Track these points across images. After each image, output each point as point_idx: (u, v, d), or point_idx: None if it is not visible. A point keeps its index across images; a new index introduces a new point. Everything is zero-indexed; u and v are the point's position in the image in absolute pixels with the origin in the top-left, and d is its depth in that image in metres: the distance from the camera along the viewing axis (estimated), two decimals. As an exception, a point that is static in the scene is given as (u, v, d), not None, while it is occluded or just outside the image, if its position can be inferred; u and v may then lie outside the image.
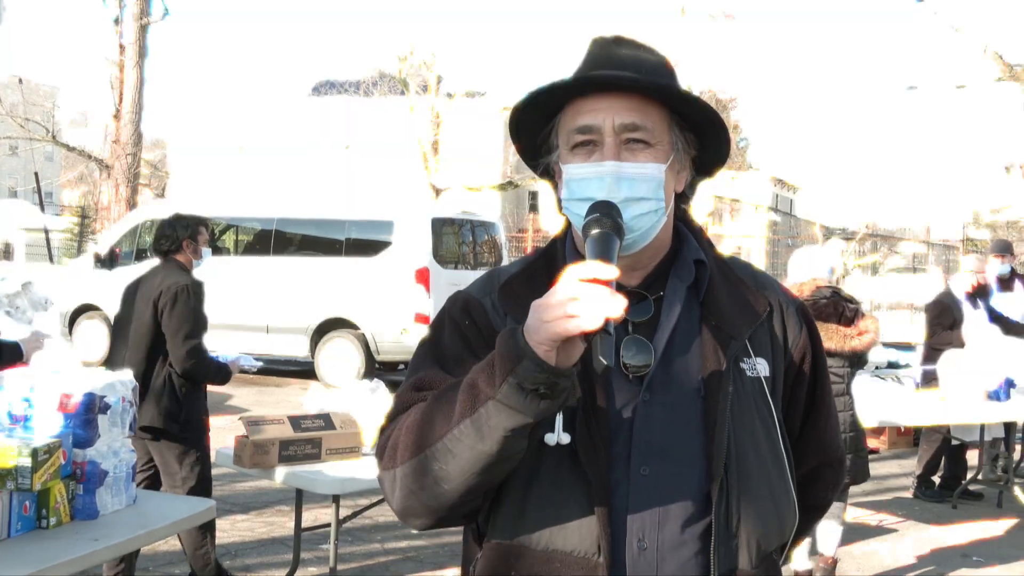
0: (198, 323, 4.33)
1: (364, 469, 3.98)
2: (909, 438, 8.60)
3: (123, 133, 16.51)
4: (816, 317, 3.46)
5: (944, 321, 6.82)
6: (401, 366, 11.69)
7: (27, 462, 2.62)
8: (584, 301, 1.19)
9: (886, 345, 9.43)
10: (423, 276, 11.27)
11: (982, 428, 6.62)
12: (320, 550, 5.02)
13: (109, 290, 9.91)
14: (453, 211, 12.68)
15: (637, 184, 1.40)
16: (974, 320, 6.73)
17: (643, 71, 1.42)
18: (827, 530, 4.78)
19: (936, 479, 7.04)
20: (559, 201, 1.47)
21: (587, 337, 1.21)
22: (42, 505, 2.73)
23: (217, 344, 4.43)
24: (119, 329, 4.52)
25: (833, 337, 4.56)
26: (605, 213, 1.35)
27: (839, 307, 4.68)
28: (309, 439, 4.12)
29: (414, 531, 3.85)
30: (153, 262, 4.68)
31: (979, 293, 6.87)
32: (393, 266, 11.41)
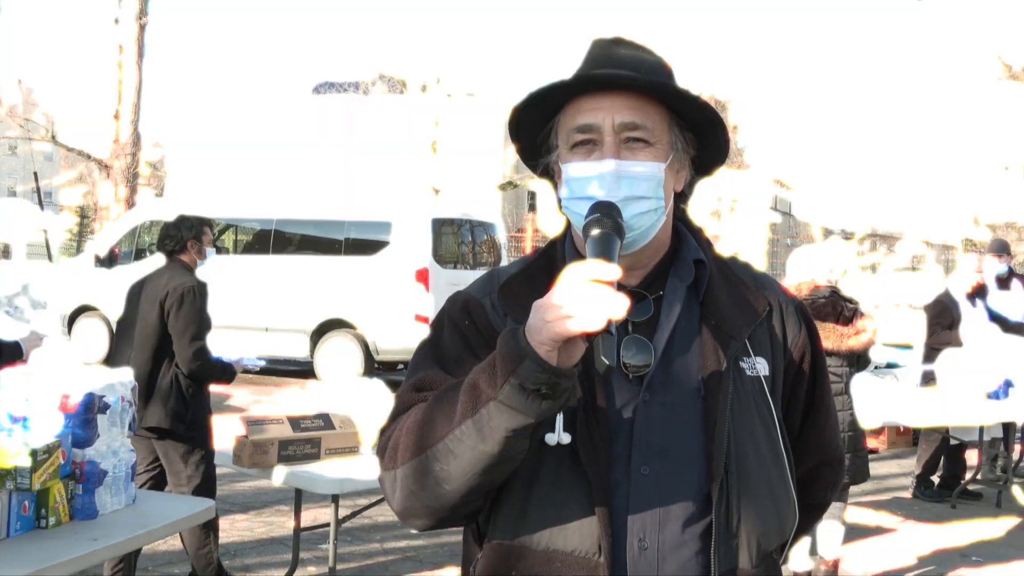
0: (203, 324, 4.37)
1: (363, 469, 3.98)
2: (908, 438, 8.60)
3: (122, 133, 16.51)
4: (814, 316, 3.46)
5: (943, 321, 6.82)
6: (400, 366, 11.70)
7: (26, 462, 2.62)
8: (587, 301, 1.19)
9: (886, 345, 9.43)
10: (423, 276, 11.28)
11: (981, 428, 6.62)
12: (319, 550, 5.02)
13: (108, 290, 9.92)
14: (453, 211, 12.69)
15: (637, 183, 1.40)
16: (973, 319, 6.74)
17: (642, 71, 1.43)
18: (828, 531, 4.77)
19: (935, 479, 7.05)
20: (559, 201, 1.48)
21: (588, 337, 1.21)
22: (41, 505, 2.73)
23: (218, 345, 4.46)
24: (123, 329, 4.53)
25: (830, 336, 4.56)
26: (605, 213, 1.35)
27: (837, 306, 4.69)
28: (308, 439, 4.13)
29: (413, 531, 3.84)
30: (151, 261, 4.70)
31: (977, 293, 6.88)
32: (393, 266, 11.42)
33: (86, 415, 2.88)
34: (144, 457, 4.41)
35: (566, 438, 1.35)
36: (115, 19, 16.50)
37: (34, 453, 2.63)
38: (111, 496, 2.95)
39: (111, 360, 4.51)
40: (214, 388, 4.75)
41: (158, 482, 4.45)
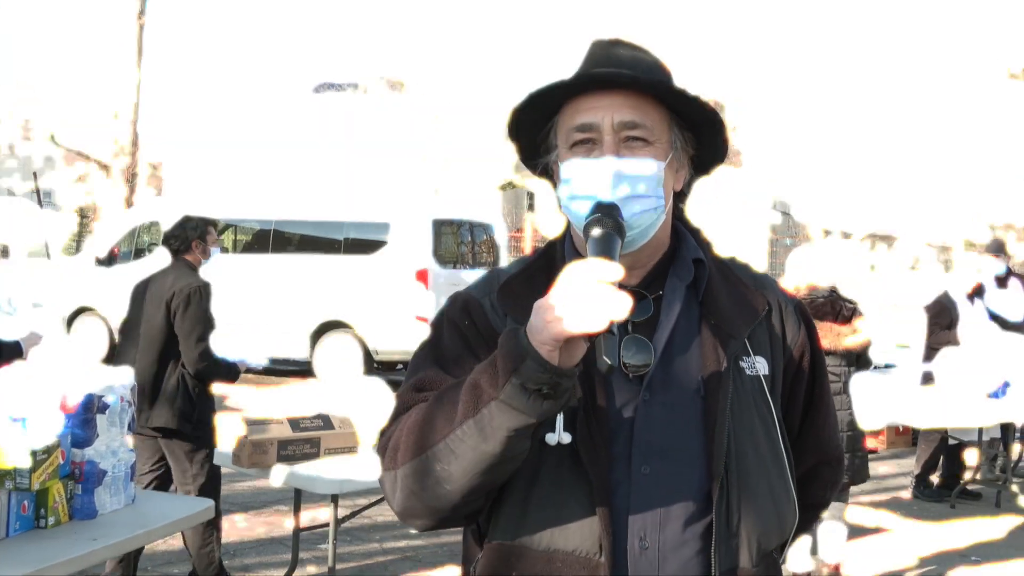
0: (209, 324, 4.40)
1: (362, 469, 3.99)
2: (907, 437, 8.60)
3: (122, 133, 16.51)
4: (813, 316, 3.46)
5: (942, 321, 6.83)
6: (400, 366, 11.70)
7: (26, 462, 2.62)
8: (589, 302, 1.19)
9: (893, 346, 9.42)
10: (423, 277, 11.28)
11: (980, 428, 6.63)
12: (319, 550, 5.02)
13: (108, 290, 9.92)
14: (452, 211, 12.70)
15: (636, 181, 1.40)
16: (973, 319, 6.74)
17: (641, 70, 1.43)
18: (830, 532, 4.76)
19: (935, 479, 7.05)
20: (558, 200, 1.48)
21: (590, 337, 1.21)
22: (40, 505, 2.73)
23: (220, 345, 4.48)
24: (128, 330, 4.55)
25: (827, 335, 4.56)
26: (606, 213, 1.35)
27: (836, 306, 4.70)
28: (307, 439, 4.13)
29: (413, 531, 3.84)
30: (150, 261, 4.71)
31: (976, 293, 6.88)
32: (392, 266, 11.42)
33: (85, 415, 2.88)
34: (149, 456, 4.43)
35: (567, 438, 1.35)
36: (115, 19, 16.50)
37: (33, 453, 2.63)
38: (110, 496, 2.95)
39: (116, 360, 4.53)
40: (214, 388, 4.76)
41: (163, 482, 4.48)
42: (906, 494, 7.05)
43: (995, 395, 6.14)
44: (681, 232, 1.53)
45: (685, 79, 1.48)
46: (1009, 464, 6.92)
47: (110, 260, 12.89)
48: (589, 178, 1.40)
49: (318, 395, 4.85)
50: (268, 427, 4.12)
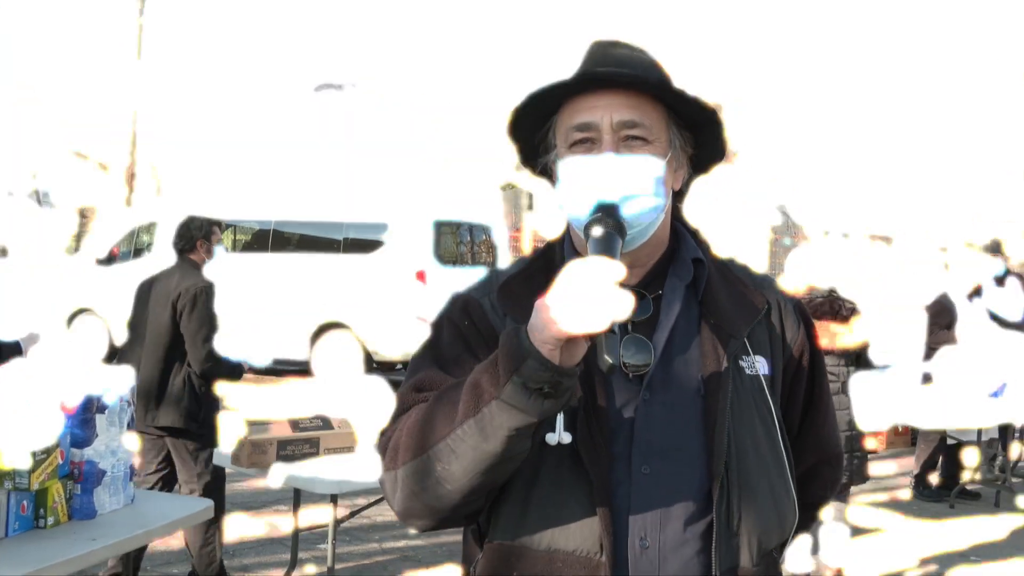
0: (214, 324, 4.42)
1: (362, 469, 3.99)
2: (907, 437, 8.61)
3: (121, 133, 16.51)
4: (811, 315, 3.46)
5: (941, 321, 6.83)
6: (399, 366, 11.71)
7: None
8: (590, 301, 1.19)
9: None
10: (422, 277, 11.29)
11: (979, 428, 6.63)
12: (318, 550, 5.02)
13: (108, 289, 9.91)
14: (452, 212, 12.70)
15: (637, 179, 1.39)
16: (972, 319, 6.74)
17: (640, 70, 1.43)
18: (832, 534, 4.75)
19: (934, 479, 7.05)
20: (558, 199, 1.47)
21: (590, 336, 1.21)
22: (40, 505, 2.73)
23: (223, 345, 4.51)
24: (133, 329, 4.56)
25: (824, 334, 4.56)
26: (607, 212, 1.35)
27: (835, 305, 4.70)
28: (307, 439, 4.13)
29: (412, 531, 3.83)
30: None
31: (975, 293, 6.89)
32: (392, 267, 11.42)
33: (84, 415, 2.88)
34: (154, 456, 4.45)
35: (567, 438, 1.35)
36: (115, 19, 16.49)
37: (33, 453, 2.63)
38: (110, 496, 2.95)
39: (121, 359, 4.54)
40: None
41: (168, 482, 4.50)
42: (905, 494, 7.05)
43: (994, 395, 6.14)
44: (680, 232, 1.53)
45: (684, 79, 1.48)
46: (1008, 464, 6.92)
47: (110, 260, 12.88)
48: (589, 176, 1.39)
49: (317, 395, 4.85)
50: (267, 427, 4.12)
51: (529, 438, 1.29)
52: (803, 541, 1.55)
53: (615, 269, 1.21)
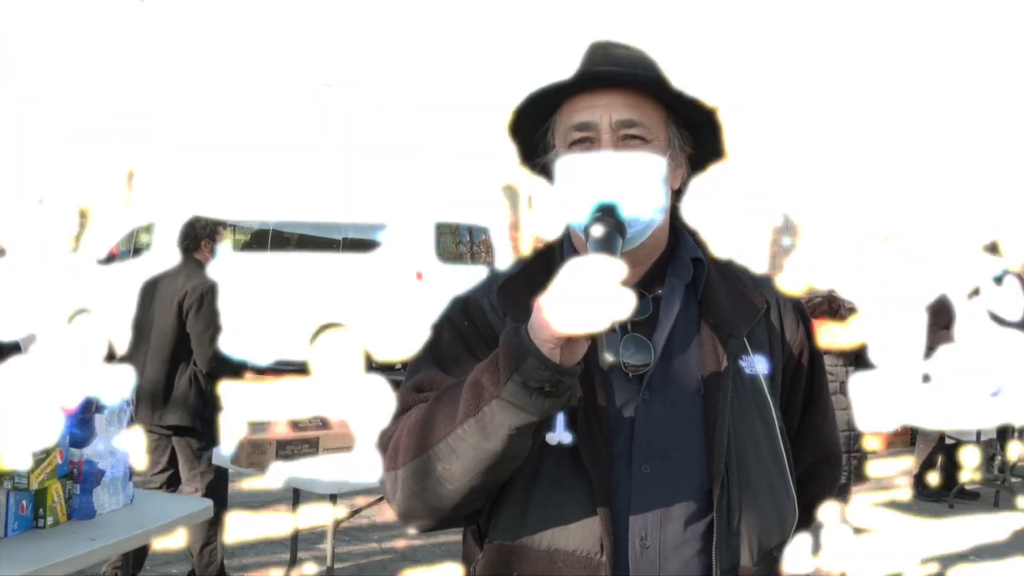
0: (219, 324, 4.45)
1: (361, 469, 3.99)
2: (906, 437, 8.61)
3: (121, 133, 16.51)
4: (810, 314, 3.46)
5: (940, 321, 6.84)
6: (399, 366, 11.71)
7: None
8: (591, 300, 1.18)
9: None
10: (422, 278, 11.29)
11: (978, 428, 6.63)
12: (317, 549, 5.02)
13: (107, 289, 9.90)
14: (452, 212, 12.70)
15: (638, 176, 1.39)
16: (970, 319, 6.75)
17: (638, 69, 1.43)
18: (832, 535, 4.75)
19: (933, 478, 7.06)
20: (556, 199, 1.47)
21: (591, 335, 1.21)
22: (39, 505, 2.73)
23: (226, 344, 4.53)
24: (138, 329, 4.57)
25: (823, 334, 4.57)
26: (607, 212, 1.34)
27: (834, 305, 4.70)
28: (306, 439, 4.13)
29: (411, 531, 3.85)
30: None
31: (974, 293, 6.89)
32: (392, 267, 11.43)
33: (84, 415, 2.88)
34: (159, 457, 4.47)
35: (567, 437, 1.35)
36: (114, 18, 16.49)
37: (32, 453, 2.63)
38: (109, 496, 2.95)
39: (126, 359, 4.56)
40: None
41: (174, 482, 4.53)
42: (905, 494, 7.06)
43: (993, 395, 6.15)
44: (679, 231, 1.53)
45: (684, 79, 1.48)
46: (1007, 464, 6.92)
47: (109, 260, 12.89)
48: (587, 174, 1.39)
49: (317, 395, 4.85)
50: (267, 427, 4.13)
51: (530, 437, 1.29)
52: (803, 541, 1.55)
53: (616, 267, 1.21)
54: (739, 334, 1.46)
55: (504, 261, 12.47)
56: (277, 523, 5.72)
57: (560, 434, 1.35)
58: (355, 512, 4.58)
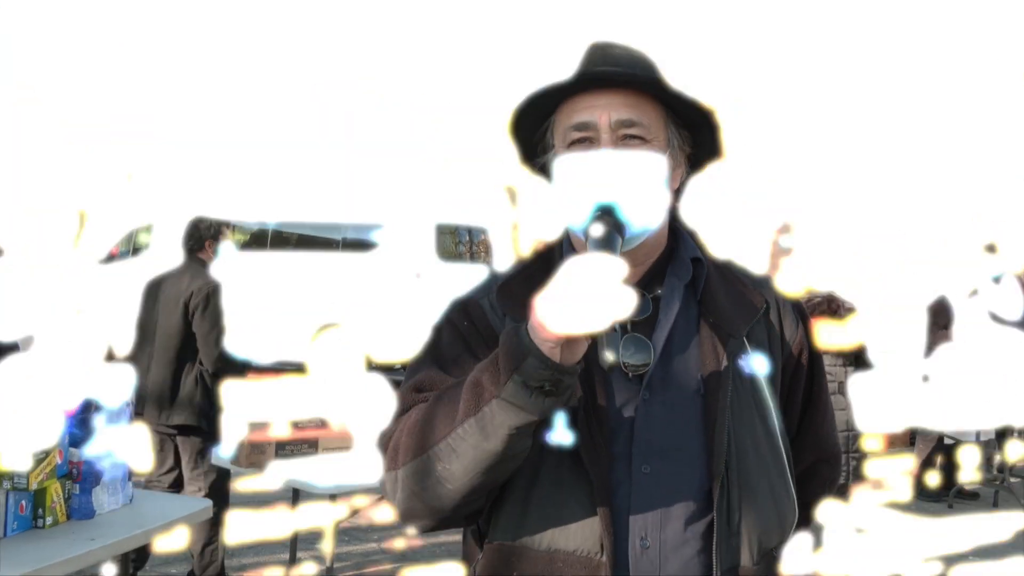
0: (224, 324, 4.46)
1: (361, 469, 3.98)
2: (905, 437, 8.61)
3: (121, 133, 16.51)
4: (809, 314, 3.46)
5: (940, 321, 6.84)
6: (399, 366, 11.71)
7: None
8: (592, 299, 1.18)
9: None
10: (421, 279, 11.29)
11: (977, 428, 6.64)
12: (317, 550, 5.02)
13: (107, 289, 9.90)
14: (452, 213, 12.70)
15: (638, 174, 1.39)
16: (969, 318, 6.74)
17: (637, 69, 1.43)
18: (832, 535, 4.75)
19: (932, 479, 7.06)
20: (555, 199, 1.47)
21: (591, 334, 1.21)
22: (38, 504, 2.73)
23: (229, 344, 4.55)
24: (142, 330, 4.59)
25: (822, 334, 4.57)
26: (607, 212, 1.34)
27: (833, 305, 4.71)
28: (306, 438, 4.13)
29: (411, 531, 3.85)
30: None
31: (973, 293, 6.89)
32: (391, 268, 11.43)
33: (83, 415, 2.88)
34: (165, 457, 4.48)
35: (567, 438, 1.35)
36: (114, 18, 16.49)
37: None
38: (108, 496, 2.95)
39: (132, 360, 4.57)
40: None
41: (180, 483, 4.54)
42: (904, 494, 7.05)
43: (992, 395, 6.14)
44: (678, 231, 1.53)
45: (684, 79, 1.47)
46: (1006, 464, 6.93)
47: (108, 260, 12.89)
48: (586, 173, 1.39)
49: (317, 395, 4.85)
50: (266, 427, 4.13)
51: (530, 437, 1.29)
52: (802, 541, 1.55)
53: (616, 266, 1.20)
54: (738, 334, 1.46)
55: (504, 261, 12.49)
56: (276, 523, 5.71)
57: (560, 434, 1.35)
58: (355, 512, 4.59)
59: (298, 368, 12.64)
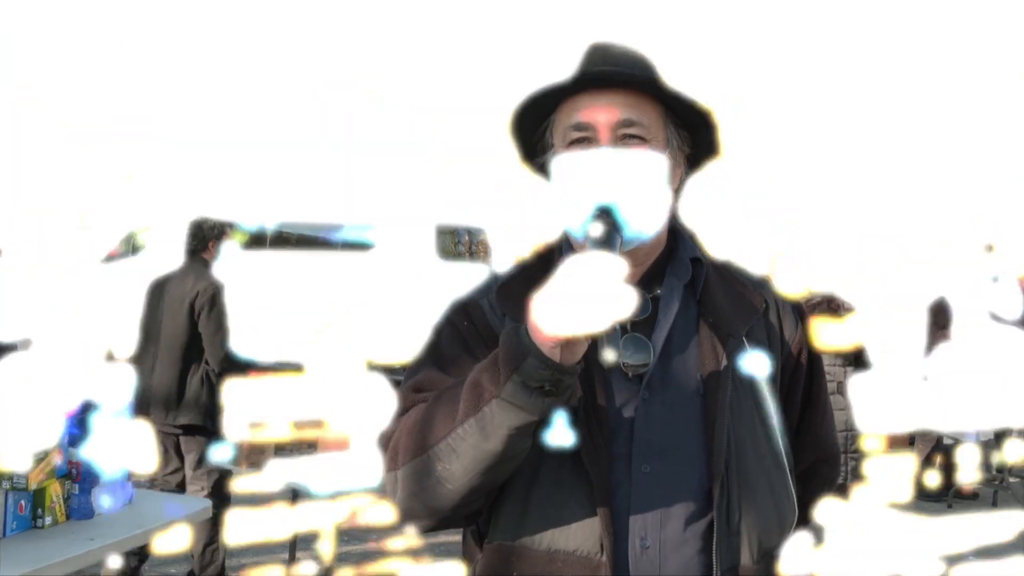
0: (228, 324, 4.48)
1: (361, 469, 3.98)
2: (904, 437, 8.61)
3: (121, 133, 16.52)
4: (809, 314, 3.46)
5: (939, 321, 6.83)
6: (399, 366, 11.71)
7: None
8: (592, 299, 1.18)
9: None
10: (421, 279, 11.30)
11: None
12: (316, 550, 5.02)
13: (107, 290, 9.90)
14: (452, 213, 12.69)
15: (638, 174, 1.39)
16: (968, 318, 6.74)
17: (637, 69, 1.43)
18: (831, 535, 4.75)
19: (932, 478, 7.06)
20: (555, 199, 1.47)
21: (592, 334, 1.21)
22: (38, 504, 2.73)
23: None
24: (147, 330, 4.59)
25: (821, 334, 4.57)
26: (606, 212, 1.34)
27: (833, 305, 4.71)
28: (305, 439, 4.13)
29: (410, 531, 3.85)
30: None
31: (972, 292, 6.89)
32: (391, 268, 11.43)
33: (83, 415, 2.88)
34: (171, 458, 4.48)
35: (567, 438, 1.35)
36: (114, 18, 16.49)
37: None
38: (108, 496, 2.95)
39: (136, 361, 4.57)
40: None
41: (184, 487, 4.54)
42: (903, 494, 7.05)
43: (991, 395, 6.14)
44: (677, 231, 1.53)
45: (684, 78, 1.48)
46: (1005, 464, 6.93)
47: (108, 260, 12.91)
48: (585, 172, 1.39)
49: (316, 395, 4.85)
50: (265, 427, 4.13)
51: (530, 437, 1.29)
52: (802, 540, 1.55)
53: (617, 265, 1.20)
54: (738, 334, 1.46)
55: (503, 261, 12.49)
56: (276, 523, 5.71)
57: (560, 434, 1.35)
58: (355, 512, 4.58)
59: (298, 368, 12.63)
